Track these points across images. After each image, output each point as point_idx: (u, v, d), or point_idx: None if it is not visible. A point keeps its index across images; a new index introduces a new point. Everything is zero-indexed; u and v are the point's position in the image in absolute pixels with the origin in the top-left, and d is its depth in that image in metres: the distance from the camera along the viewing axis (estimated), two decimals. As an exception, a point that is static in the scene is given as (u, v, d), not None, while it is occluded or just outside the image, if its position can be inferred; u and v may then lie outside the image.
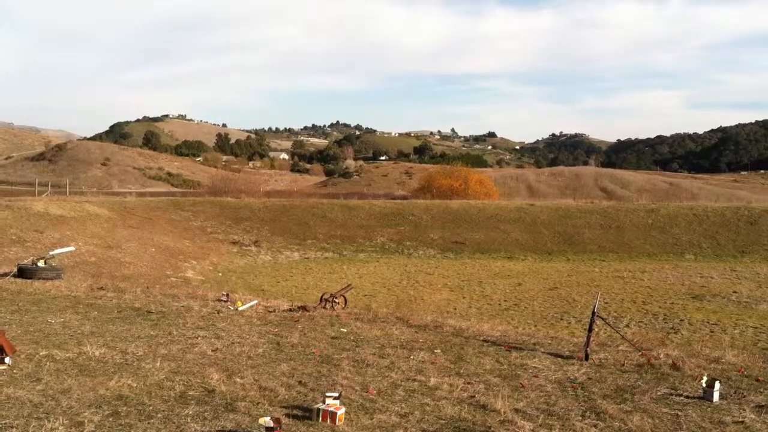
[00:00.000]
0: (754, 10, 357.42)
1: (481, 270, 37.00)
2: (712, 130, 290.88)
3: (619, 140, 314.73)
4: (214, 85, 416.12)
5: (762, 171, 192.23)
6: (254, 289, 27.15)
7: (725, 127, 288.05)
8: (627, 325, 22.22)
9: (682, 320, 24.00)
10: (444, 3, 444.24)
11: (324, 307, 13.50)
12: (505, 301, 27.75)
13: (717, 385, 7.52)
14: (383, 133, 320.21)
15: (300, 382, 7.74)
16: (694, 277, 34.85)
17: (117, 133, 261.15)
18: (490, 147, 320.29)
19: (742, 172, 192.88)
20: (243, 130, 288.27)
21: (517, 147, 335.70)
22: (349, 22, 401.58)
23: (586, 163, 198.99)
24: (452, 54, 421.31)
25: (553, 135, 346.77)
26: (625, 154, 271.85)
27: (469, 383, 7.98)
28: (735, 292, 30.43)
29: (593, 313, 10.40)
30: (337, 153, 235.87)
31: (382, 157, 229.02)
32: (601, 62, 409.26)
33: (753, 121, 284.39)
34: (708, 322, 23.62)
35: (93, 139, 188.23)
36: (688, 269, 37.95)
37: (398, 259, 41.47)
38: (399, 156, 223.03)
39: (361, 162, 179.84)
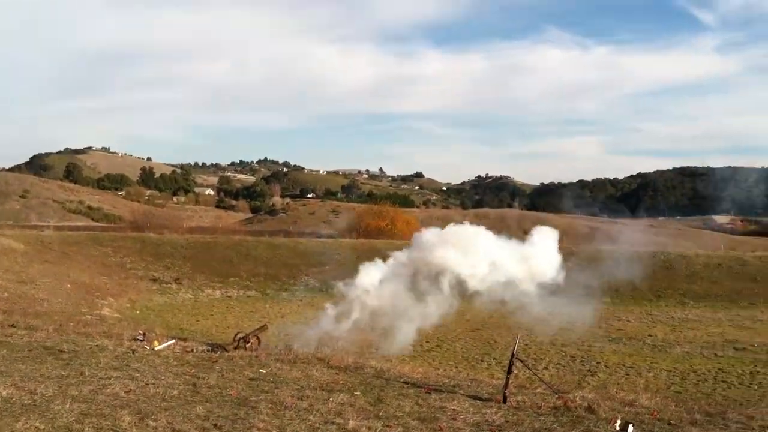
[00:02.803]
0: (673, 61, 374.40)
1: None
2: (632, 176, 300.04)
3: (542, 183, 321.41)
4: (141, 119, 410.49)
5: (678, 217, 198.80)
6: (173, 327, 26.58)
7: (644, 173, 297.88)
8: (545, 367, 22.56)
9: (598, 363, 24.49)
10: (377, 43, 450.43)
11: (236, 348, 13.33)
12: (428, 342, 27.82)
13: (630, 428, 7.67)
14: (311, 170, 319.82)
15: (215, 425, 7.58)
16: (612, 320, 35.64)
17: (37, 165, 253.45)
18: (417, 187, 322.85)
19: (660, 218, 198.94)
20: (169, 165, 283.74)
21: (444, 188, 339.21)
22: (282, 60, 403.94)
23: (510, 206, 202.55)
24: (383, 94, 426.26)
25: (480, 177, 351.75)
26: (548, 197, 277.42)
27: (388, 426, 7.95)
28: (650, 335, 31.24)
29: (512, 355, 10.52)
30: (264, 190, 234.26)
31: (310, 195, 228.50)
32: (528, 107, 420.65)
33: (671, 168, 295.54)
34: (624, 365, 24.15)
35: (11, 170, 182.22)
36: (606, 312, 38.76)
37: (323, 298, 41.18)
38: (326, 194, 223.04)
39: (288, 199, 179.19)
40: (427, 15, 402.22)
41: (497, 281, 21.30)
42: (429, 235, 24.00)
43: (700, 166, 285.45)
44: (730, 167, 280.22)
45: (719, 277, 48.37)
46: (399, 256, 23.83)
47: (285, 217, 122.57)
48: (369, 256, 48.83)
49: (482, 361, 24.17)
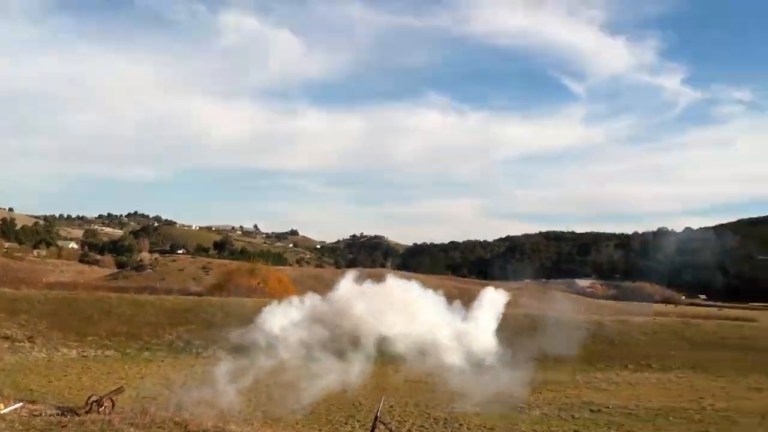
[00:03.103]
0: (545, 129, 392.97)
1: (270, 372, 36.51)
2: (501, 239, 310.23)
3: (415, 244, 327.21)
4: (3, 168, 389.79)
5: (543, 280, 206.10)
6: (22, 389, 25.13)
7: (513, 236, 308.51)
8: (408, 430, 22.72)
9: (461, 425, 24.87)
10: (257, 99, 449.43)
11: (89, 411, 12.81)
12: (293, 404, 27.46)
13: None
14: (183, 225, 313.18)
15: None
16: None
17: None
18: (291, 245, 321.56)
19: (526, 280, 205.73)
20: (32, 216, 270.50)
21: (318, 246, 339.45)
22: (158, 112, 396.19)
23: (383, 265, 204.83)
24: (262, 150, 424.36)
25: (354, 236, 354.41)
26: (420, 257, 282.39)
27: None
28: (512, 397, 32.00)
29: (375, 417, 10.61)
30: (132, 244, 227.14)
31: (180, 251, 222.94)
32: (405, 168, 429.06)
33: (537, 232, 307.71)
34: (485, 427, 24.63)
35: None
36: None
37: (186, 358, 40.06)
38: (198, 250, 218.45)
39: (156, 255, 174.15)
40: (308, 73, 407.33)
41: (424, 344, 21.36)
42: (348, 287, 23.74)
43: (566, 231, 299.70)
44: (592, 233, 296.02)
45: (579, 340, 50.27)
46: (315, 305, 23.44)
47: (152, 273, 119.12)
48: (238, 314, 48.15)
49: (346, 423, 24.09)
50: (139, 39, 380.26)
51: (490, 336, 24.31)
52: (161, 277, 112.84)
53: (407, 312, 22.37)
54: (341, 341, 21.99)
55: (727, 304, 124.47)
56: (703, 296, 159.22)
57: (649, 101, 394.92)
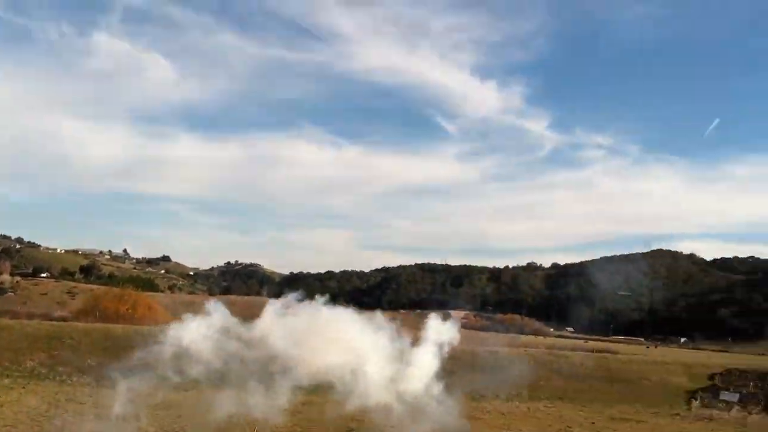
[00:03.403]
0: (420, 164, 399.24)
1: (142, 401, 35.15)
2: (377, 270, 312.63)
3: (292, 273, 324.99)
4: None
5: (418, 310, 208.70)
6: None
7: (389, 268, 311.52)
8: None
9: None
10: (130, 123, 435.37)
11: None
12: (164, 432, 26.59)
13: None
14: (48, 248, 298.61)
15: None
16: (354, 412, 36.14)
17: None
18: (163, 271, 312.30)
19: (401, 310, 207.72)
20: None
21: (192, 273, 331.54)
22: (23, 131, 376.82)
23: (258, 294, 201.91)
24: (133, 174, 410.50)
25: (229, 263, 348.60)
26: (296, 286, 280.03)
27: None
28: (392, 426, 32.02)
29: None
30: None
31: (44, 274, 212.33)
32: (281, 198, 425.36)
33: (413, 264, 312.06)
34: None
35: None
36: (347, 404, 39.29)
37: (49, 386, 38.07)
38: (63, 274, 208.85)
39: (18, 278, 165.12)
40: (183, 99, 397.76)
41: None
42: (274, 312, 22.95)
43: (440, 263, 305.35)
44: (465, 265, 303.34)
45: (453, 369, 51.06)
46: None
47: (14, 296, 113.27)
48: (104, 341, 46.29)
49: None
50: (8, 57, 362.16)
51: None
52: (23, 301, 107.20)
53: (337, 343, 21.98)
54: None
55: (592, 337, 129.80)
56: (570, 329, 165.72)
57: (518, 143, 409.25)
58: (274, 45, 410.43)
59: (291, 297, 24.80)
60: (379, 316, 26.29)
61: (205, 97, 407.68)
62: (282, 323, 22.75)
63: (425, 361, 24.01)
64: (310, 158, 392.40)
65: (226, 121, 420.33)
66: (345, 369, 21.85)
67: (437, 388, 23.90)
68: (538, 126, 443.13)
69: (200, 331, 22.31)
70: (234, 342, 22.45)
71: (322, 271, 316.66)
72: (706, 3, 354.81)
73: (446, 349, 25.52)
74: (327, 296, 26.88)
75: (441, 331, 25.69)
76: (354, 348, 22.30)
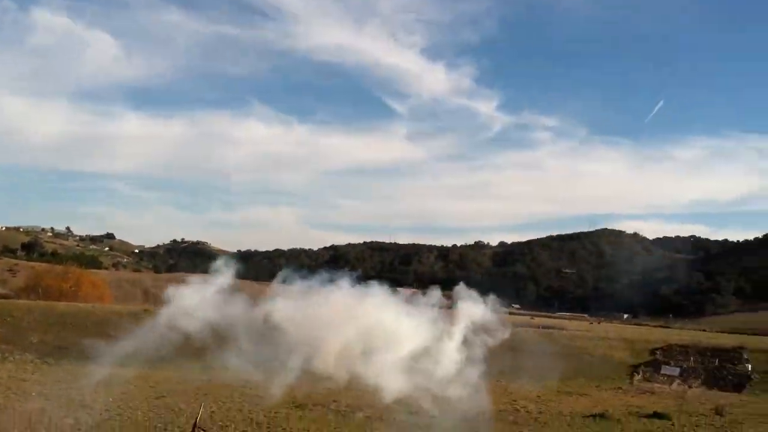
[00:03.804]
0: (369, 144, 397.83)
1: (83, 377, 34.57)
2: (326, 248, 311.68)
3: (240, 251, 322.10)
4: None
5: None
6: None
7: (337, 246, 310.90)
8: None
9: (284, 429, 24.64)
10: (73, 100, 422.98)
11: None
12: (107, 410, 26.14)
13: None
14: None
15: None
16: (302, 386, 36.11)
17: None
18: (107, 248, 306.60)
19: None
20: None
21: (137, 251, 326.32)
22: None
23: (206, 272, 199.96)
24: (78, 152, 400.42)
25: (175, 241, 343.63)
26: (245, 264, 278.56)
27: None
28: (335, 401, 32.09)
29: (195, 424, 10.22)
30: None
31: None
32: (230, 175, 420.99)
33: (362, 242, 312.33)
34: (306, 430, 24.53)
35: None
36: (296, 378, 39.22)
37: (-11, 364, 37.17)
38: (4, 251, 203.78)
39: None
40: (128, 77, 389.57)
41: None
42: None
43: (389, 242, 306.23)
44: (414, 244, 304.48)
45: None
46: None
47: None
48: (47, 318, 45.40)
49: (165, 429, 23.17)
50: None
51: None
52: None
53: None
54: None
55: (538, 313, 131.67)
56: (516, 305, 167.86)
57: (467, 123, 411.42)
58: (220, 21, 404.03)
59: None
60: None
61: (150, 75, 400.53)
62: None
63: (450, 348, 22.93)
64: (259, 136, 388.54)
65: (172, 98, 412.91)
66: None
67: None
68: (487, 107, 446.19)
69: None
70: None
71: (271, 249, 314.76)
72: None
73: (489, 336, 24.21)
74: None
75: (474, 314, 24.56)
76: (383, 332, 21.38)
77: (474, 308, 24.00)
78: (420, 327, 21.87)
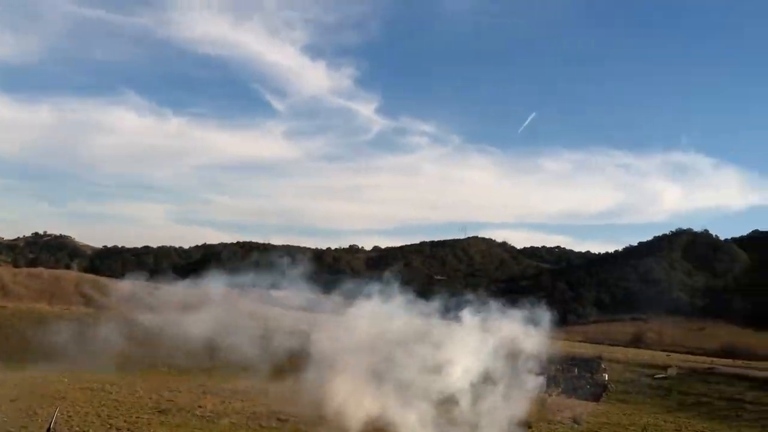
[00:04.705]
0: (246, 140, 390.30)
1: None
2: (197, 246, 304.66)
3: (106, 246, 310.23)
4: None
5: (239, 289, 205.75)
6: None
7: (210, 244, 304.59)
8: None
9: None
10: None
11: None
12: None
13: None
14: None
15: None
16: (163, 391, 35.24)
17: None
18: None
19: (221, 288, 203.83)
20: None
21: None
22: None
23: (68, 267, 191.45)
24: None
25: (37, 234, 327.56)
26: (111, 260, 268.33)
27: None
28: (200, 406, 31.45)
29: (48, 428, 9.75)
30: None
31: None
32: (97, 167, 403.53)
33: (235, 242, 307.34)
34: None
35: None
36: (157, 383, 38.23)
37: None
38: None
39: None
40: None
41: None
42: None
43: (262, 242, 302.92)
44: (287, 245, 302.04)
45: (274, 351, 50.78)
46: None
47: None
48: None
49: (18, 435, 21.99)
50: None
51: None
52: None
53: None
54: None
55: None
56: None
57: (346, 125, 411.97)
58: (92, 4, 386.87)
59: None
60: None
61: (15, 55, 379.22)
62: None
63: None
64: (130, 126, 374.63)
65: (37, 82, 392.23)
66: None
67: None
68: (366, 109, 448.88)
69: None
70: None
71: (139, 245, 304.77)
72: (530, 1, 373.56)
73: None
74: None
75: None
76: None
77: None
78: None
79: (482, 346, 24.50)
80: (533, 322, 28.31)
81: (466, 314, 27.73)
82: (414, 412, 23.70)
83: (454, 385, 24.26)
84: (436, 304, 29.45)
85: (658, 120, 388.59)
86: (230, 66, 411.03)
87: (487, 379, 24.59)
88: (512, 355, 25.31)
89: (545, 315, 28.68)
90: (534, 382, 24.18)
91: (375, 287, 28.74)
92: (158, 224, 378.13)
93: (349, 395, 22.86)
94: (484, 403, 24.10)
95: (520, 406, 24.16)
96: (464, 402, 24.43)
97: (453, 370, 24.32)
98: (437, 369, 23.78)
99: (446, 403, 24.84)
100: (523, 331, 26.05)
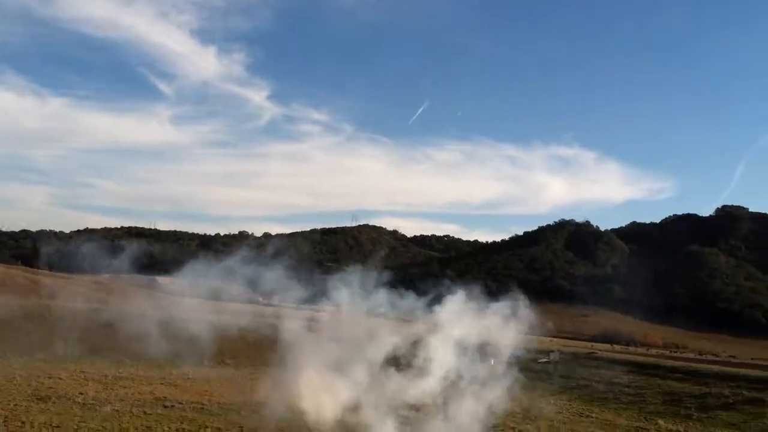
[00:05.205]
0: (131, 123, 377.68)
1: None
2: (80, 231, 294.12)
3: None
4: None
5: (123, 275, 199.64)
6: None
7: (93, 229, 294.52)
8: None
9: (23, 423, 22.99)
10: None
11: None
12: None
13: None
14: None
15: None
16: (43, 378, 33.98)
17: None
18: None
19: (106, 275, 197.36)
20: None
21: None
22: None
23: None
24: None
25: None
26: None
27: None
28: (81, 393, 30.49)
29: None
30: None
31: None
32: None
33: (119, 227, 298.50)
34: (51, 425, 23.09)
35: None
36: (36, 369, 36.79)
37: None
38: None
39: None
40: None
41: None
42: None
43: (148, 227, 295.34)
44: (174, 231, 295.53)
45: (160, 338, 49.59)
46: None
47: None
48: None
49: None
50: None
51: None
52: None
53: None
54: None
55: (305, 307, 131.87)
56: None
57: (236, 111, 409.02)
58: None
59: None
60: None
61: None
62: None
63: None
64: (7, 107, 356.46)
65: None
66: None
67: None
68: (257, 96, 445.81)
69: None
70: None
71: (16, 229, 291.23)
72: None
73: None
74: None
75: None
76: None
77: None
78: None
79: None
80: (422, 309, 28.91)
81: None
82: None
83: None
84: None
85: (543, 114, 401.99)
86: (117, 48, 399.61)
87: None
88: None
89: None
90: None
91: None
92: (38, 207, 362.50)
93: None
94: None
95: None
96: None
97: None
98: None
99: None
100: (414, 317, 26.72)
